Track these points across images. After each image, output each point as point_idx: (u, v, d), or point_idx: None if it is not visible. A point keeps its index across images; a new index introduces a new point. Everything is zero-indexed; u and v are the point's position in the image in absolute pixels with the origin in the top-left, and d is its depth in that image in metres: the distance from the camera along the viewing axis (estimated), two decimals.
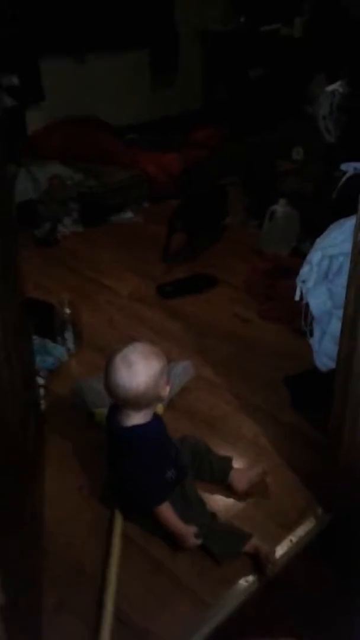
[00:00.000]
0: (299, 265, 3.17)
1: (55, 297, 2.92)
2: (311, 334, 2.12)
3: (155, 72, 5.31)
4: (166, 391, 1.63)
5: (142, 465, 1.57)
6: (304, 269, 1.94)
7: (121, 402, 1.58)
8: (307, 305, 2.10)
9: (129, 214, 4.02)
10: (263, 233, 3.49)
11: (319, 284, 1.92)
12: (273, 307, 2.87)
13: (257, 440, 2.08)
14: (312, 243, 3.41)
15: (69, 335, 2.52)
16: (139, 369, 1.54)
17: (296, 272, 3.02)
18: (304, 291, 2.05)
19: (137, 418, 1.59)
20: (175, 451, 1.74)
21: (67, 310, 2.51)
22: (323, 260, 1.88)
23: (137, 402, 1.56)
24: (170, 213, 3.45)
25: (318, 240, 1.95)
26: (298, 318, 2.65)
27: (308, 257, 1.97)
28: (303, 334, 2.64)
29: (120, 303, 2.98)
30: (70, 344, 2.53)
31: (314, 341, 2.08)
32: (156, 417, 1.65)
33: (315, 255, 1.89)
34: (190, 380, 2.37)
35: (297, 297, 2.08)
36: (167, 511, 1.58)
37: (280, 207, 3.39)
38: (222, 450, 1.98)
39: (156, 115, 5.19)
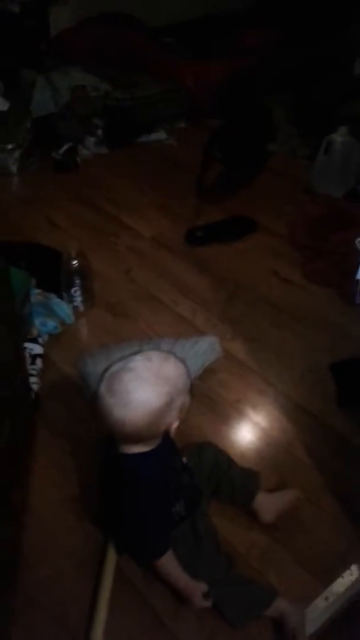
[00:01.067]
0: (356, 211, 2.71)
1: (67, 237, 2.54)
2: None
3: None
4: (177, 421, 1.25)
5: (142, 507, 1.22)
6: None
7: (116, 436, 1.21)
8: None
9: (161, 135, 3.49)
10: (316, 168, 2.95)
11: None
12: (322, 266, 2.40)
13: (292, 449, 1.70)
14: None
15: (76, 292, 2.13)
16: (138, 401, 1.16)
17: (355, 223, 2.58)
18: None
19: (138, 447, 1.22)
20: (188, 476, 1.38)
21: (75, 263, 2.10)
22: None
23: (137, 437, 1.19)
24: (208, 137, 2.92)
25: None
26: (352, 283, 2.24)
27: None
28: (353, 302, 2.24)
29: (142, 249, 2.55)
30: (78, 301, 2.15)
31: None
32: (164, 440, 1.27)
33: None
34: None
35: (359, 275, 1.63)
36: (168, 563, 1.25)
37: (339, 137, 2.83)
38: (247, 461, 1.62)
39: (198, 13, 4.46)
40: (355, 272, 2.18)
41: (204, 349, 1.91)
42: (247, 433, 1.76)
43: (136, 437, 1.20)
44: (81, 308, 2.16)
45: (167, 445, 1.29)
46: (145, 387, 1.17)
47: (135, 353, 1.24)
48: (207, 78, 3.66)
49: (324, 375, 1.92)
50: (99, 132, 3.26)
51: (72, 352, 1.98)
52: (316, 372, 1.94)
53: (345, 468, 1.64)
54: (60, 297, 2.14)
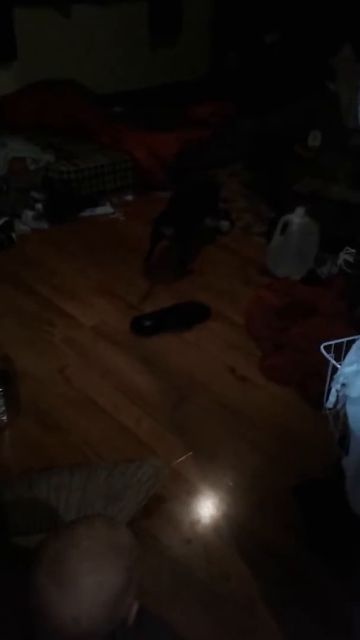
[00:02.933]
0: (317, 298, 2.49)
1: None
2: (346, 453, 1.42)
3: (154, 31, 4.46)
4: (133, 609, 0.94)
5: None
6: (348, 368, 1.24)
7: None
8: (343, 415, 1.40)
9: (107, 209, 3.27)
10: (271, 249, 2.75)
11: None
12: (281, 362, 2.16)
13: (254, 610, 1.39)
14: (333, 265, 2.73)
15: None
16: (94, 587, 0.86)
17: (317, 312, 2.36)
18: (341, 399, 1.34)
19: None
20: None
21: None
22: None
23: (93, 636, 0.88)
24: (157, 215, 2.70)
25: None
26: (315, 382, 1.99)
27: (355, 351, 1.25)
28: (319, 408, 1.98)
29: (81, 341, 2.25)
30: (1, 411, 1.82)
31: (348, 467, 1.38)
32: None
33: None
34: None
35: (329, 404, 1.37)
36: None
37: (296, 219, 2.65)
38: (196, 628, 1.30)
39: (152, 83, 4.38)
40: (319, 372, 1.94)
41: (148, 475, 1.61)
42: (196, 589, 1.43)
43: (92, 636, 0.88)
44: (4, 419, 1.84)
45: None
46: (100, 565, 0.88)
47: (71, 522, 0.96)
48: (157, 150, 3.49)
49: (287, 502, 1.63)
50: (38, 206, 3.01)
51: None
52: (279, 497, 1.65)
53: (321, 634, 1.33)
54: None
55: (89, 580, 0.86)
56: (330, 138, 4.09)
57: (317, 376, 1.96)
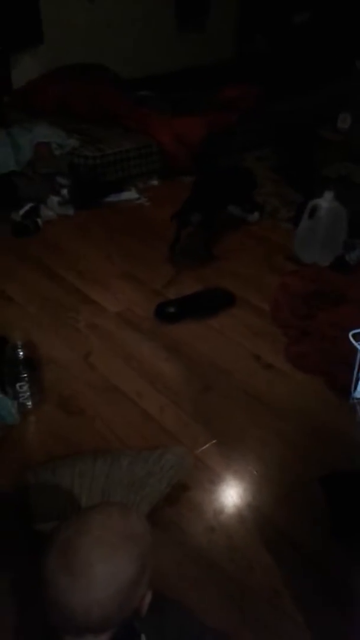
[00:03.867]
0: (345, 285, 2.44)
1: (19, 313, 2.24)
2: None
3: (181, 14, 4.40)
4: (146, 600, 0.93)
5: None
6: None
7: (71, 629, 0.89)
8: None
9: (133, 194, 3.24)
10: (299, 235, 2.70)
11: None
12: (308, 349, 2.12)
13: (278, 600, 1.36)
14: None
15: (23, 387, 1.81)
16: (106, 575, 0.86)
17: (346, 299, 2.31)
18: None
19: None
20: None
21: (21, 353, 1.79)
22: None
23: (105, 625, 0.88)
24: (183, 200, 2.67)
25: None
26: (343, 370, 1.95)
27: None
28: (347, 397, 1.94)
29: (105, 327, 2.24)
30: (25, 397, 1.82)
31: None
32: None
33: None
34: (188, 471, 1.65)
35: (357, 394, 1.34)
36: None
37: (325, 203, 2.58)
38: (222, 621, 1.29)
39: (178, 66, 4.32)
40: (346, 360, 1.90)
41: (172, 463, 1.59)
42: (220, 580, 1.41)
43: (103, 626, 0.88)
44: (29, 405, 1.84)
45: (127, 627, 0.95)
46: (112, 553, 0.87)
47: (84, 510, 0.95)
48: (184, 135, 3.44)
49: (315, 493, 1.60)
50: (64, 191, 3.00)
51: (12, 464, 1.65)
52: (305, 488, 1.62)
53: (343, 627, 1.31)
54: (4, 392, 1.82)
55: (100, 569, 0.85)
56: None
57: (345, 365, 1.93)
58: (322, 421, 1.86)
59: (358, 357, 1.59)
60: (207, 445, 1.75)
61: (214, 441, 1.76)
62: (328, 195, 2.58)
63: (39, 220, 2.86)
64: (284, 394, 1.97)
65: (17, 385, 1.80)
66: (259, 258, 2.73)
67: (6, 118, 3.21)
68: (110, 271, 2.58)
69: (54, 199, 2.98)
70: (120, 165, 3.23)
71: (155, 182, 3.40)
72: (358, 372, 1.68)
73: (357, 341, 1.66)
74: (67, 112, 3.50)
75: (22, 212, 2.84)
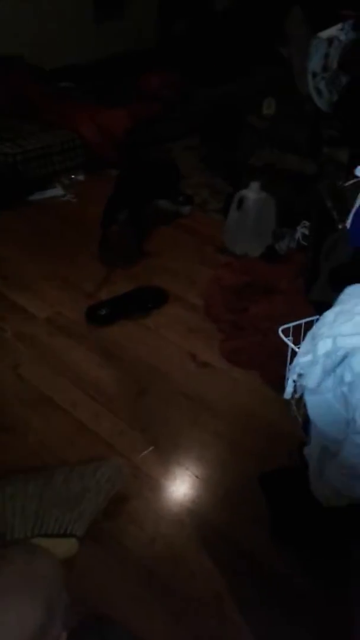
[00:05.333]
0: (276, 276, 2.44)
1: None
2: (308, 442, 1.38)
3: (98, 3, 4.27)
4: (65, 630, 0.88)
5: None
6: (303, 359, 1.18)
7: None
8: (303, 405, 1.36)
9: (58, 191, 3.14)
10: (228, 227, 2.68)
11: (326, 387, 1.17)
12: (242, 344, 2.11)
13: (222, 605, 1.35)
14: (291, 240, 2.67)
15: None
16: (7, 627, 0.80)
17: (276, 289, 2.31)
18: (299, 388, 1.29)
19: None
20: None
21: None
22: (336, 352, 1.12)
23: None
24: (108, 197, 2.60)
25: (328, 316, 1.18)
26: (276, 365, 1.95)
27: (309, 340, 1.20)
28: (282, 392, 1.94)
29: (35, 335, 2.16)
30: None
31: (310, 457, 1.35)
32: None
33: (323, 344, 1.13)
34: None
35: (286, 395, 1.33)
36: None
37: (251, 194, 2.57)
38: (165, 636, 1.27)
39: (99, 55, 4.20)
40: (280, 353, 1.90)
41: (108, 476, 1.55)
42: (163, 593, 1.39)
43: None
44: None
45: None
46: (12, 601, 0.81)
47: None
48: (107, 126, 3.36)
49: (255, 492, 1.59)
50: None
51: None
52: (245, 488, 1.61)
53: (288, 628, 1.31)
54: None
55: (1, 618, 0.80)
56: (285, 105, 4.00)
57: (279, 358, 1.92)
58: (260, 417, 1.86)
59: (289, 353, 1.58)
60: (145, 452, 1.72)
61: (152, 448, 1.73)
62: (254, 186, 2.57)
63: None
64: (221, 392, 1.96)
65: None
66: (191, 252, 2.70)
67: None
68: (37, 274, 2.49)
69: None
70: (43, 161, 3.12)
71: (81, 177, 3.31)
72: (288, 369, 1.68)
73: (287, 336, 1.65)
74: None
75: None
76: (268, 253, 2.63)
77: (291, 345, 1.55)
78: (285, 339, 1.59)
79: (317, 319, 1.26)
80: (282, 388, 1.90)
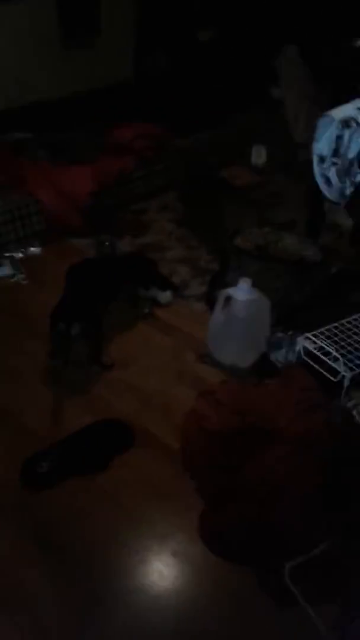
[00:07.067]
0: (275, 410, 1.89)
1: None
2: None
3: (66, 29, 3.72)
4: None
5: None
6: None
7: None
8: None
9: (4, 270, 2.59)
10: (212, 330, 2.15)
11: None
12: (229, 523, 1.56)
13: None
14: (290, 351, 2.14)
15: None
16: None
17: (274, 432, 1.77)
18: None
19: None
20: None
21: None
22: None
23: None
24: (58, 302, 2.06)
25: None
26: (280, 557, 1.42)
27: None
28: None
29: None
30: None
31: None
32: None
33: None
34: None
35: None
36: None
37: (240, 295, 2.04)
38: None
39: (64, 90, 3.66)
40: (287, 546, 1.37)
41: None
42: None
43: None
44: None
45: None
46: None
47: None
48: (68, 188, 2.83)
49: None
50: None
51: None
52: None
53: None
54: None
55: None
56: (275, 156, 3.52)
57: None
58: None
59: None
60: None
61: None
62: (243, 286, 2.04)
63: None
64: (194, 605, 1.41)
65: None
66: (166, 361, 2.16)
67: None
68: None
69: None
70: None
71: (37, 250, 2.76)
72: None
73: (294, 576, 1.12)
74: None
75: None
76: (261, 364, 2.10)
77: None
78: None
79: None
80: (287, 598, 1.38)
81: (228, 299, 2.06)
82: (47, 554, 1.50)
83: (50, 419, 1.89)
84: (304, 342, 1.98)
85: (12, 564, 1.48)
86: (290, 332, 2.07)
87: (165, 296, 2.42)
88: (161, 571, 1.48)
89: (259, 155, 3.57)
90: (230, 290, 2.06)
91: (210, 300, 2.36)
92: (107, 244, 2.63)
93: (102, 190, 2.90)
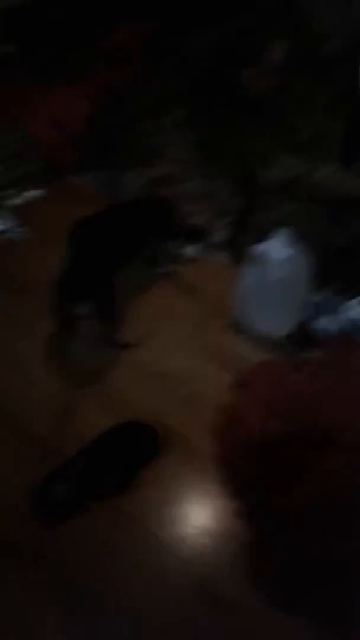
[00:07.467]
0: (323, 400, 1.57)
1: None
2: None
3: None
4: None
5: None
6: None
7: None
8: None
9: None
10: (241, 293, 1.80)
11: None
12: (283, 558, 1.31)
13: None
14: (332, 320, 1.76)
15: None
16: None
17: (329, 435, 1.47)
18: None
19: None
20: None
21: None
22: None
23: None
24: (58, 277, 1.71)
25: None
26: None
27: None
28: None
29: None
30: None
31: None
32: None
33: None
34: None
35: None
36: None
37: (275, 253, 1.66)
38: None
39: None
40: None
41: None
42: None
43: None
44: None
45: None
46: None
47: None
48: (60, 115, 2.37)
49: None
50: None
51: None
52: None
53: None
54: None
55: None
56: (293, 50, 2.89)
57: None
58: None
59: None
60: None
61: None
62: (279, 240, 1.66)
63: None
64: None
65: None
66: (189, 332, 1.84)
67: None
68: None
69: None
70: None
71: (35, 194, 2.36)
72: None
73: None
74: None
75: None
76: (298, 334, 1.77)
77: None
78: None
79: None
80: None
81: (261, 255, 1.69)
82: (61, 602, 1.29)
83: (60, 422, 1.62)
84: (350, 312, 1.63)
85: (21, 612, 1.28)
86: (336, 294, 1.71)
87: (192, 249, 2.04)
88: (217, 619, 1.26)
89: (275, 52, 2.92)
90: (260, 247, 1.68)
91: (235, 250, 1.99)
92: None
93: (101, 114, 2.42)
